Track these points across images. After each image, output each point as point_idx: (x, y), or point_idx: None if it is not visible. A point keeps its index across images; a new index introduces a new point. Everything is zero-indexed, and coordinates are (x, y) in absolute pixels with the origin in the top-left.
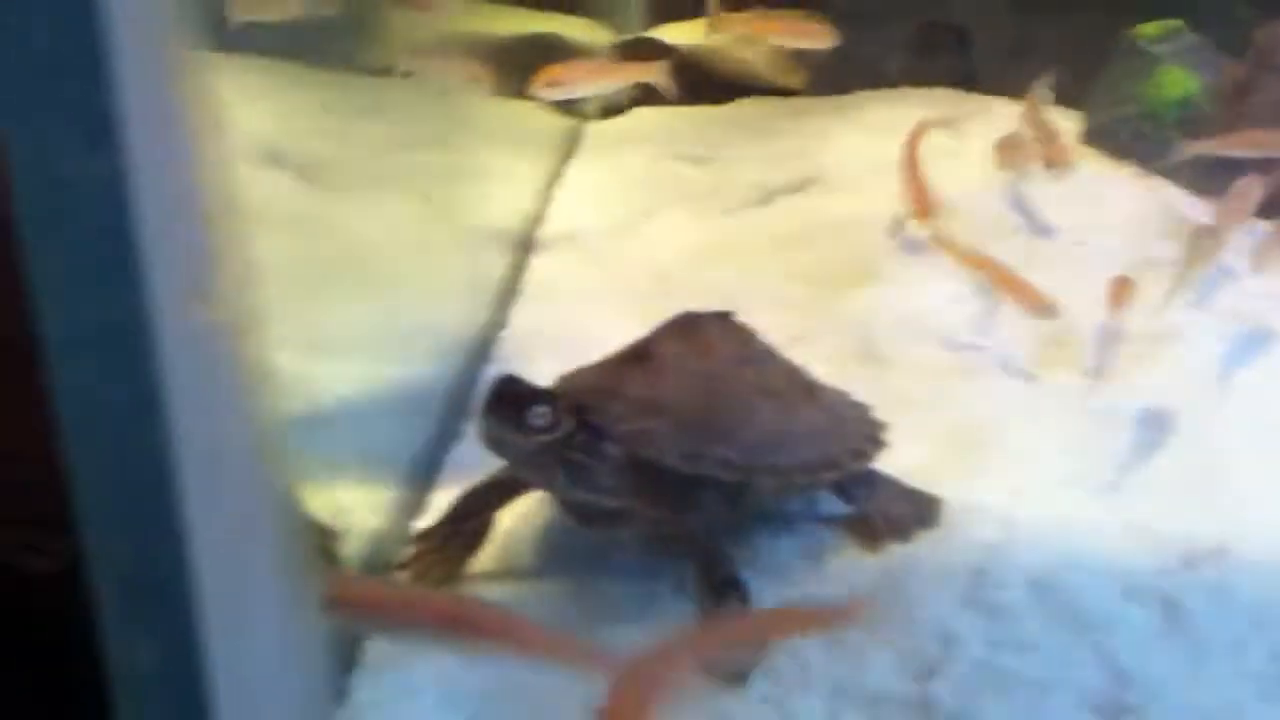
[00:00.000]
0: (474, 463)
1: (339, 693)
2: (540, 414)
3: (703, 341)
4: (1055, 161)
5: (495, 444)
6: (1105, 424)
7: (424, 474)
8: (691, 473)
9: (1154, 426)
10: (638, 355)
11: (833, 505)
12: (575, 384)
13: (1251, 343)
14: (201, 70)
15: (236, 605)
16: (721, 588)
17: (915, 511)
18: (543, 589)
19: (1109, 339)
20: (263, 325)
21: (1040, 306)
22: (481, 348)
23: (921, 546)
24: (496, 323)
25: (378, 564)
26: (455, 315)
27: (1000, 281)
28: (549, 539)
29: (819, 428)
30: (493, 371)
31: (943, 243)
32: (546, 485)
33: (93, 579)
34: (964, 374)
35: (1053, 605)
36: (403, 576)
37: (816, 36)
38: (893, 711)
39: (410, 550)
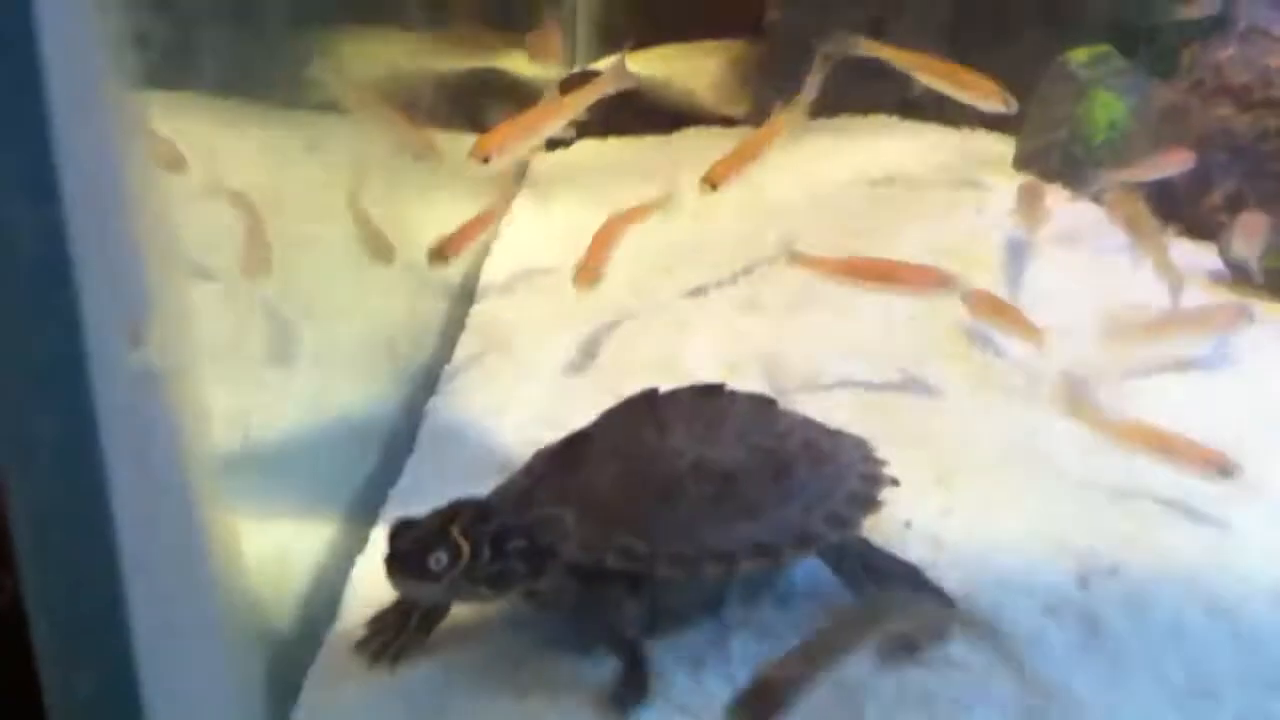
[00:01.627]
0: (417, 497)
1: None
2: (437, 559)
3: (659, 419)
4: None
5: (412, 595)
6: (1030, 438)
7: (367, 509)
8: (590, 563)
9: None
10: (579, 438)
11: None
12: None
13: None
14: (139, 110)
15: (172, 635)
16: (628, 681)
17: (924, 621)
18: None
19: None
20: (197, 368)
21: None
22: (426, 381)
23: None
24: (440, 358)
25: (319, 599)
26: (398, 351)
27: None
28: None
29: (762, 509)
30: (437, 403)
31: None
32: (481, 601)
33: (31, 613)
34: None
35: (976, 624)
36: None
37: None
38: None
39: (363, 633)
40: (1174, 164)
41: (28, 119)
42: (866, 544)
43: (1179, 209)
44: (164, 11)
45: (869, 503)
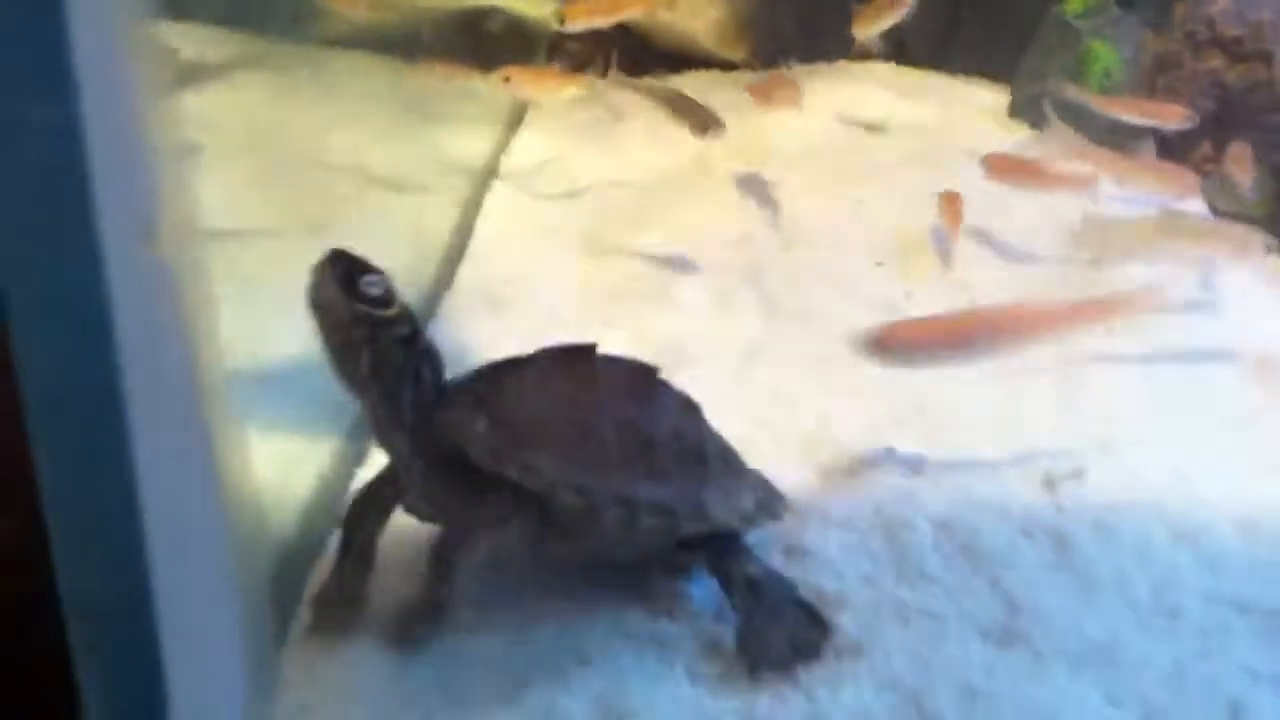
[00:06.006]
0: None
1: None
2: (373, 283)
3: (585, 373)
4: None
5: (318, 305)
6: (999, 377)
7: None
8: (490, 465)
9: (1043, 377)
10: (516, 362)
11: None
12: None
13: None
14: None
15: (182, 537)
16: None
17: (800, 636)
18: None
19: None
20: (207, 269)
21: None
22: (427, 306)
23: (835, 492)
24: (443, 281)
25: (321, 510)
26: (402, 272)
27: None
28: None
29: (670, 476)
30: (437, 329)
31: None
32: (344, 372)
33: (45, 508)
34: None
35: (953, 543)
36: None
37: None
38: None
39: (309, 614)
40: (1171, 117)
41: (45, 18)
42: (754, 560)
43: (1168, 159)
44: None
45: (774, 504)
